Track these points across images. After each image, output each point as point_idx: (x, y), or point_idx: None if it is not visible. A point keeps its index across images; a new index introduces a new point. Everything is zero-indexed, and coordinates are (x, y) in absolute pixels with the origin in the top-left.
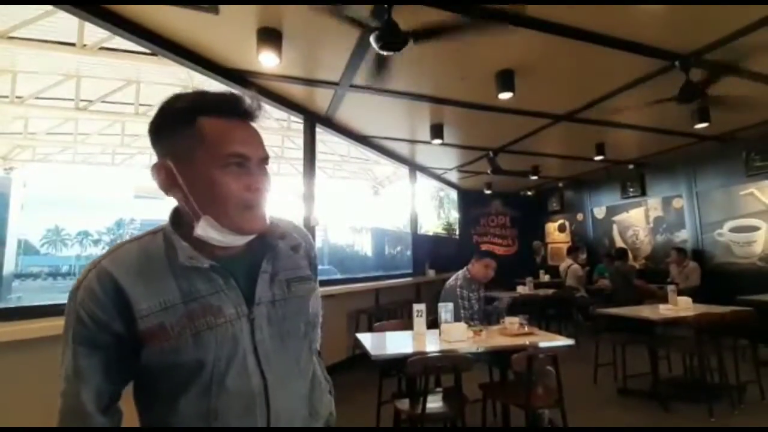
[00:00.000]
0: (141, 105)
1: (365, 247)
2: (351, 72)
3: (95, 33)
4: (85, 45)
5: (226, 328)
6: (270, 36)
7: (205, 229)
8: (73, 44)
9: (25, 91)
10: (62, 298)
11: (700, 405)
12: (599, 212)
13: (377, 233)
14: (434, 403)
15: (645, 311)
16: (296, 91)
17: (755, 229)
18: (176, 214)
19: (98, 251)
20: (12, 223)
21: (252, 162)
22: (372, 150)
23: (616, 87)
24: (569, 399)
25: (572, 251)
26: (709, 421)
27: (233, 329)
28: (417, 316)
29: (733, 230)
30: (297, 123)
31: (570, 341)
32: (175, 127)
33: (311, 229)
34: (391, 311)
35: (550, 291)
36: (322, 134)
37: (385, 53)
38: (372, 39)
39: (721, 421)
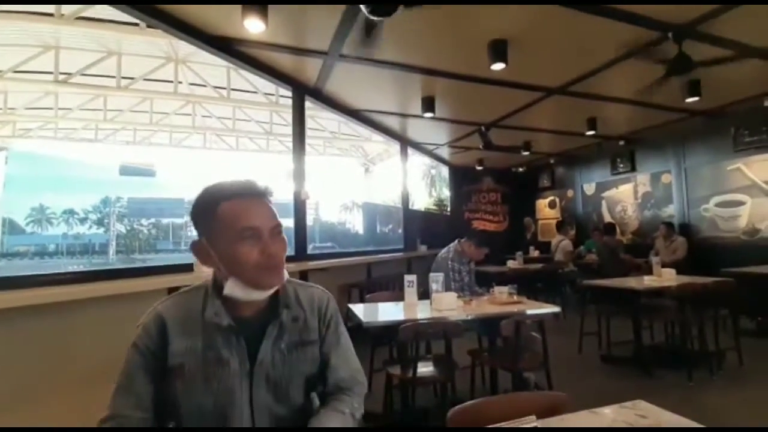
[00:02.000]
0: (123, 78)
1: (357, 223)
2: (340, 40)
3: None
4: (63, 15)
5: (230, 381)
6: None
7: (231, 289)
8: (50, 14)
9: (1, 64)
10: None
11: (680, 371)
12: (589, 188)
13: (369, 209)
14: (425, 368)
15: (630, 282)
16: (284, 60)
17: (740, 204)
18: (219, 281)
19: (85, 230)
20: None
21: (264, 232)
22: (363, 125)
23: (609, 59)
24: (555, 365)
25: (562, 226)
26: (688, 385)
27: (234, 382)
28: (408, 286)
29: (719, 205)
30: (286, 98)
31: (556, 308)
32: (205, 215)
33: (302, 204)
34: (382, 285)
35: (539, 265)
36: (312, 110)
37: (375, 18)
38: (362, 4)
39: (699, 385)
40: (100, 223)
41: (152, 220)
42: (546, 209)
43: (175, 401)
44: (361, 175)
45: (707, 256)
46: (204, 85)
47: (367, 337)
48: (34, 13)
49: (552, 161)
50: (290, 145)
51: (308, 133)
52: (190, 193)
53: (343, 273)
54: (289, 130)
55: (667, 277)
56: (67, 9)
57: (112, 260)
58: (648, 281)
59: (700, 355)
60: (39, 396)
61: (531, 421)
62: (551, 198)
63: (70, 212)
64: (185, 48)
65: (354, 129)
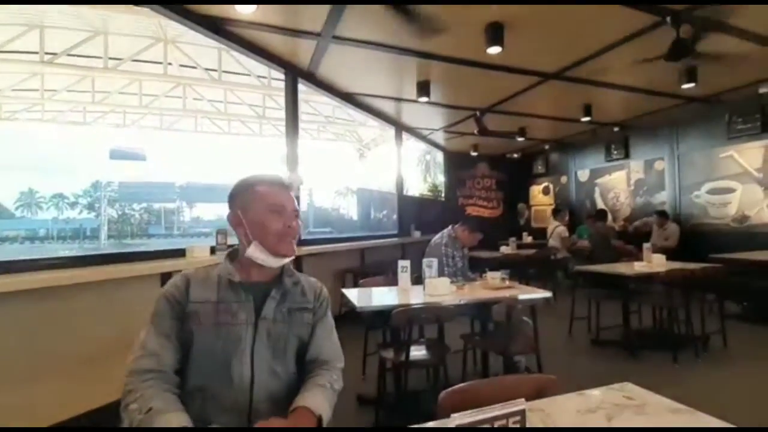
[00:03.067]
0: (110, 59)
1: (351, 209)
2: (333, 21)
3: None
4: None
5: (237, 329)
6: None
7: (254, 251)
8: None
9: None
10: None
11: (666, 353)
12: (583, 175)
13: (363, 195)
14: (418, 352)
15: (621, 268)
16: (276, 42)
17: (731, 191)
18: (233, 253)
19: (76, 214)
20: None
21: (287, 210)
22: (357, 109)
23: (607, 44)
24: (545, 349)
25: (558, 213)
26: (673, 367)
27: (240, 331)
28: (402, 271)
29: (711, 192)
30: (278, 81)
31: (548, 293)
32: (244, 191)
33: (296, 190)
34: (376, 270)
35: (532, 251)
36: (305, 93)
37: None
38: None
39: (684, 367)
40: (90, 207)
41: (144, 204)
42: (540, 195)
43: (190, 339)
44: (355, 160)
45: (697, 242)
46: (194, 67)
47: (361, 321)
48: None
49: (546, 147)
50: (283, 129)
51: (302, 117)
52: (182, 178)
53: (336, 258)
54: (282, 113)
55: (657, 263)
56: None
57: (104, 245)
58: (638, 267)
59: (686, 339)
60: (33, 378)
61: (520, 404)
62: (545, 184)
63: (60, 196)
64: (174, 28)
65: (348, 113)
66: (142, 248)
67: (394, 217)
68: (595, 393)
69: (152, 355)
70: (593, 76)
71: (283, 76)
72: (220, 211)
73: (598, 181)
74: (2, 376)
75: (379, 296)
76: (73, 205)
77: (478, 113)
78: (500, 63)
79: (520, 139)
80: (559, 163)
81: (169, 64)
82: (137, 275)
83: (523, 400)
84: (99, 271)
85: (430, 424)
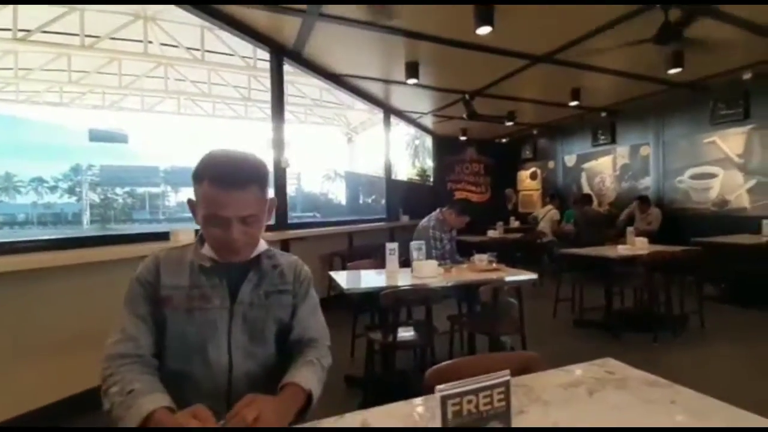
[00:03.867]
0: (87, 36)
1: (339, 193)
2: None
3: None
4: None
5: (212, 314)
6: None
7: (208, 250)
8: None
9: None
10: None
11: (646, 333)
12: (570, 160)
13: (352, 179)
14: (405, 333)
15: (604, 251)
16: (260, 19)
17: (713, 176)
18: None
19: (56, 199)
20: None
21: (232, 221)
22: (345, 90)
23: (597, 26)
24: (530, 329)
25: (552, 198)
26: (652, 346)
27: (216, 316)
28: (390, 254)
29: (693, 177)
30: (264, 61)
31: (533, 275)
32: (195, 182)
33: (282, 172)
34: (364, 254)
35: (519, 235)
36: (292, 75)
37: None
38: None
39: (663, 345)
40: (71, 191)
41: (127, 189)
42: (527, 180)
43: (164, 323)
44: (343, 144)
45: (679, 226)
46: (176, 46)
47: (349, 304)
48: None
49: (535, 132)
50: (269, 111)
51: (288, 99)
52: (166, 162)
53: (324, 242)
54: (268, 96)
55: (639, 246)
56: None
57: (87, 230)
58: (621, 250)
59: (666, 319)
60: (12, 363)
61: (504, 376)
62: (533, 169)
63: (39, 180)
64: (154, 5)
65: (336, 96)
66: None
67: (383, 201)
68: (578, 369)
69: (130, 339)
70: (582, 59)
71: (268, 57)
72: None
73: (585, 165)
74: None
75: (367, 279)
76: (53, 189)
77: (467, 96)
78: (490, 44)
79: (509, 123)
80: (547, 148)
81: (150, 42)
82: (120, 258)
83: (507, 371)
84: (80, 254)
85: (418, 400)
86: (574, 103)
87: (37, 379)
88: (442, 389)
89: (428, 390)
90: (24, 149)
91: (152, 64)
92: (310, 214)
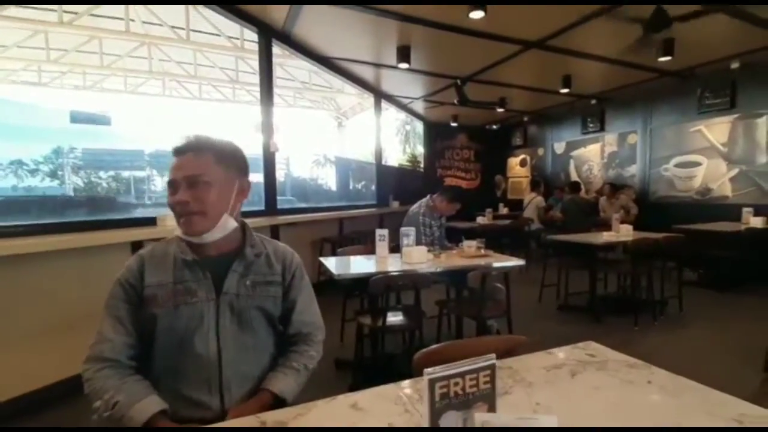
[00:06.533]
0: (66, 12)
1: (329, 178)
2: None
3: None
4: None
5: (198, 307)
6: None
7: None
8: None
9: None
10: None
11: (628, 318)
12: (559, 147)
13: (341, 165)
14: (394, 318)
15: (590, 237)
16: None
17: (697, 164)
18: None
19: (38, 182)
20: None
21: (179, 184)
22: (335, 74)
23: (588, 12)
24: (516, 314)
25: (537, 185)
26: (633, 329)
27: (202, 308)
28: (380, 240)
29: (678, 165)
30: (252, 42)
31: (521, 261)
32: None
33: (271, 156)
34: (354, 240)
35: (507, 222)
36: (281, 57)
37: None
38: None
39: (643, 329)
40: (53, 175)
41: (111, 173)
42: (517, 167)
43: (152, 321)
44: (333, 129)
45: (662, 214)
46: (160, 25)
47: (339, 289)
48: None
49: (525, 119)
50: (257, 95)
51: (277, 82)
52: (151, 145)
53: (314, 228)
54: (256, 78)
55: (624, 233)
56: None
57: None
58: (606, 236)
59: (646, 303)
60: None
61: (490, 359)
62: (522, 156)
63: (19, 163)
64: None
65: (326, 80)
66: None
67: (373, 187)
68: (561, 351)
69: (106, 341)
70: (574, 47)
71: (256, 37)
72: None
73: (574, 153)
74: None
75: (357, 264)
76: (32, 172)
77: (458, 81)
78: (482, 29)
79: (500, 110)
80: (537, 135)
81: (132, 20)
82: (106, 243)
83: (493, 355)
84: (66, 239)
85: (406, 383)
86: (564, 90)
87: (22, 366)
88: (429, 372)
89: (417, 373)
90: (0, 130)
91: (135, 44)
92: (290, 197)
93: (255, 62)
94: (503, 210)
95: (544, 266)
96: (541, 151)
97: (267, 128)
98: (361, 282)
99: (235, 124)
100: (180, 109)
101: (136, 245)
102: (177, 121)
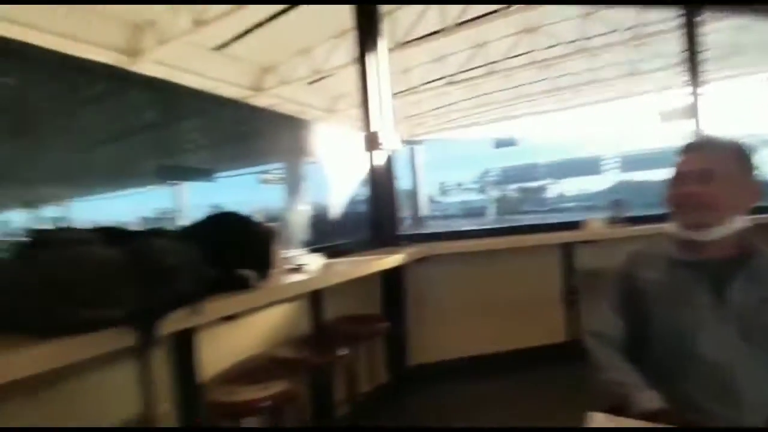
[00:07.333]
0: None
1: None
2: None
3: None
4: None
5: (697, 311)
6: None
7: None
8: None
9: None
10: None
11: None
12: None
13: None
14: None
15: None
16: None
17: None
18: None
19: (473, 197)
20: None
21: (687, 177)
22: None
23: None
24: None
25: None
26: None
27: (701, 314)
28: None
29: None
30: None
31: None
32: None
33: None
34: None
35: None
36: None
37: None
38: None
39: None
40: (481, 191)
41: (517, 185)
42: None
43: (645, 317)
44: None
45: None
46: (555, 45)
47: None
48: None
49: None
50: (659, 81)
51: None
52: (546, 157)
53: None
54: (650, 65)
55: None
56: None
57: (492, 221)
58: None
59: None
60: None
61: None
62: None
63: (459, 184)
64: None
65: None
66: (519, 223)
67: None
68: None
69: (605, 323)
70: None
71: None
72: (584, 185)
73: None
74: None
75: None
76: (467, 190)
77: None
78: None
79: None
80: None
81: (530, 51)
82: (537, 245)
83: None
84: (510, 240)
85: None
86: None
87: (496, 329)
88: None
89: None
90: (450, 162)
91: (534, 70)
92: None
93: (651, 48)
94: None
95: None
96: None
97: (692, 111)
98: None
99: (636, 117)
100: (574, 117)
101: (565, 246)
102: (571, 130)
